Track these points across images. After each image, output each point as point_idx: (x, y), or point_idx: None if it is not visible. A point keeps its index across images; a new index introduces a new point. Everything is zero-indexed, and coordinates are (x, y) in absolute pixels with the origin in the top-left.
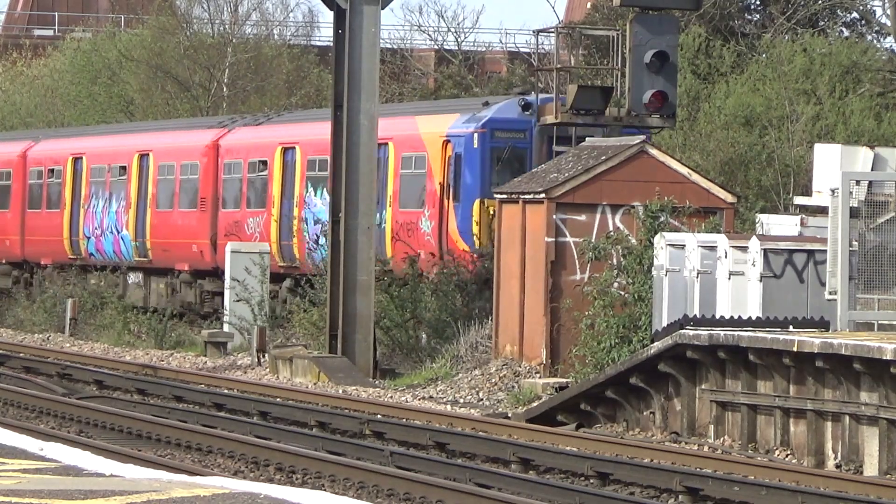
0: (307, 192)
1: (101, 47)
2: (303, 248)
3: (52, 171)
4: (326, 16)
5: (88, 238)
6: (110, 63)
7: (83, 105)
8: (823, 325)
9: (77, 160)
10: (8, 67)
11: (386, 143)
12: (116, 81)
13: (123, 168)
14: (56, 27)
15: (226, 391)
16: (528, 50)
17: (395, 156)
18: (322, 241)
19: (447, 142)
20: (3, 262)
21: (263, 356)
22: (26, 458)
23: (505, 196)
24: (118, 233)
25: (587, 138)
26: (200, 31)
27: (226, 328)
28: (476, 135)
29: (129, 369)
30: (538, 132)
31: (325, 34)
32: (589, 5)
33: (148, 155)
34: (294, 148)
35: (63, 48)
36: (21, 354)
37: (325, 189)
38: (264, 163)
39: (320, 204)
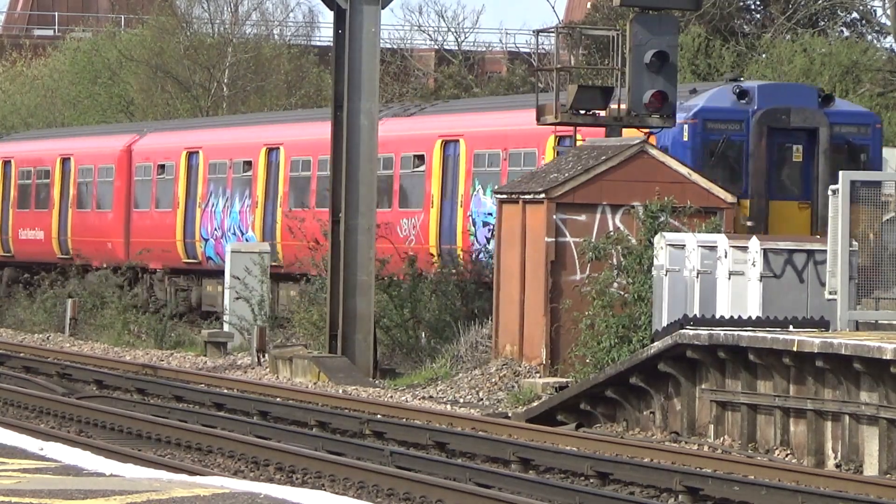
0: (474, 191)
1: (101, 47)
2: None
3: (162, 166)
4: (326, 16)
5: (206, 240)
6: (110, 63)
7: (83, 105)
8: (823, 325)
9: (192, 155)
10: (8, 67)
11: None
12: (117, 82)
13: (248, 163)
14: (56, 27)
15: (226, 391)
16: (528, 50)
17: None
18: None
19: (649, 135)
20: (104, 266)
21: (263, 356)
22: (26, 457)
23: (505, 196)
24: (242, 234)
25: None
26: (200, 31)
27: (226, 328)
28: (686, 126)
29: (129, 369)
30: (756, 122)
31: (325, 34)
32: (589, 5)
33: (278, 149)
34: (458, 141)
35: (63, 48)
36: (21, 354)
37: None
38: (421, 157)
39: (490, 204)
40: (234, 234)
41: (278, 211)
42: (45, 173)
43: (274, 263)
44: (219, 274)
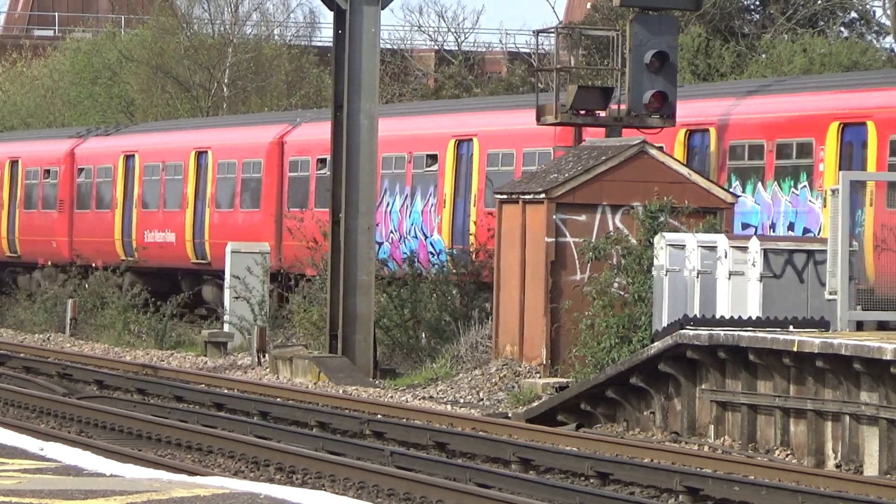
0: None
1: (101, 48)
2: None
3: (321, 161)
4: (327, 16)
5: (380, 243)
6: (111, 63)
7: (83, 105)
8: (823, 325)
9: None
10: (8, 68)
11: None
12: (117, 82)
13: (433, 157)
14: (56, 27)
15: (226, 391)
16: (528, 50)
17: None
18: None
19: None
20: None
21: (264, 356)
22: (26, 458)
23: (505, 196)
24: (426, 237)
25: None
26: (201, 31)
27: (226, 328)
28: None
29: (129, 369)
30: None
31: (325, 35)
32: (589, 5)
33: (471, 140)
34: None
35: (63, 49)
36: (21, 354)
37: None
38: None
39: None
40: (415, 236)
41: (473, 209)
42: (176, 168)
43: (464, 271)
44: (396, 280)
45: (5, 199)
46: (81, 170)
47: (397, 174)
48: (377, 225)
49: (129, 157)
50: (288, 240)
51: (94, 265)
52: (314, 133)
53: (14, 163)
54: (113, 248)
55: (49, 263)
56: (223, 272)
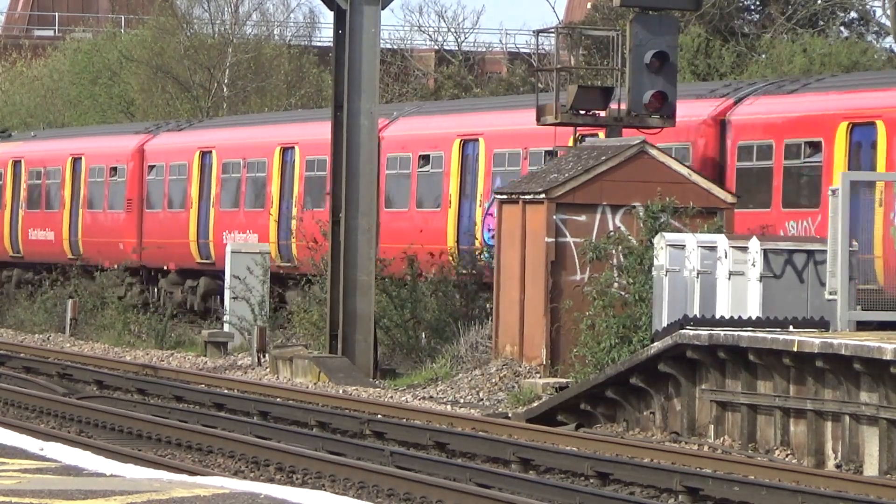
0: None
1: (101, 48)
2: None
3: (425, 157)
4: (327, 16)
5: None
6: (111, 63)
7: (83, 105)
8: (823, 325)
9: (467, 144)
10: (8, 68)
11: None
12: (117, 82)
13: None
14: (56, 27)
15: (226, 391)
16: (528, 50)
17: None
18: None
19: None
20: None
21: (264, 356)
22: (26, 458)
23: (505, 196)
24: None
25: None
26: (201, 31)
27: (226, 328)
28: None
29: (129, 369)
30: None
31: (325, 35)
32: (589, 5)
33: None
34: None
35: (63, 49)
36: (21, 354)
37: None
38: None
39: None
40: None
41: None
42: (258, 165)
43: None
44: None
45: (67, 198)
46: (152, 167)
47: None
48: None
49: (205, 154)
50: (385, 242)
51: (165, 268)
52: (415, 127)
53: (77, 160)
54: (187, 250)
55: (115, 266)
56: (310, 276)
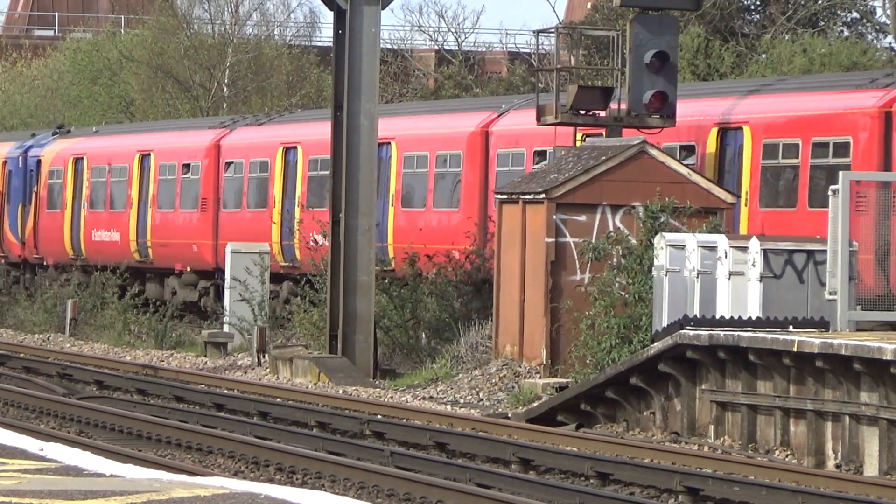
0: None
1: (101, 48)
2: None
3: (539, 154)
4: (327, 16)
5: None
6: (111, 63)
7: (84, 105)
8: (823, 325)
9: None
10: (8, 68)
11: None
12: (117, 82)
13: (690, 148)
14: (56, 27)
15: (226, 391)
16: (528, 50)
17: None
18: None
19: None
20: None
21: (264, 356)
22: (26, 458)
23: (505, 196)
24: None
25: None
26: (201, 31)
27: (226, 328)
28: None
29: (129, 369)
30: None
31: (325, 35)
32: (589, 5)
33: (740, 129)
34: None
35: (63, 49)
36: (21, 354)
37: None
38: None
39: None
40: None
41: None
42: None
43: None
44: None
45: (134, 197)
46: (229, 164)
47: None
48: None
49: (288, 150)
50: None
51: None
52: (528, 121)
53: (145, 156)
54: (269, 251)
55: (188, 269)
56: (409, 280)
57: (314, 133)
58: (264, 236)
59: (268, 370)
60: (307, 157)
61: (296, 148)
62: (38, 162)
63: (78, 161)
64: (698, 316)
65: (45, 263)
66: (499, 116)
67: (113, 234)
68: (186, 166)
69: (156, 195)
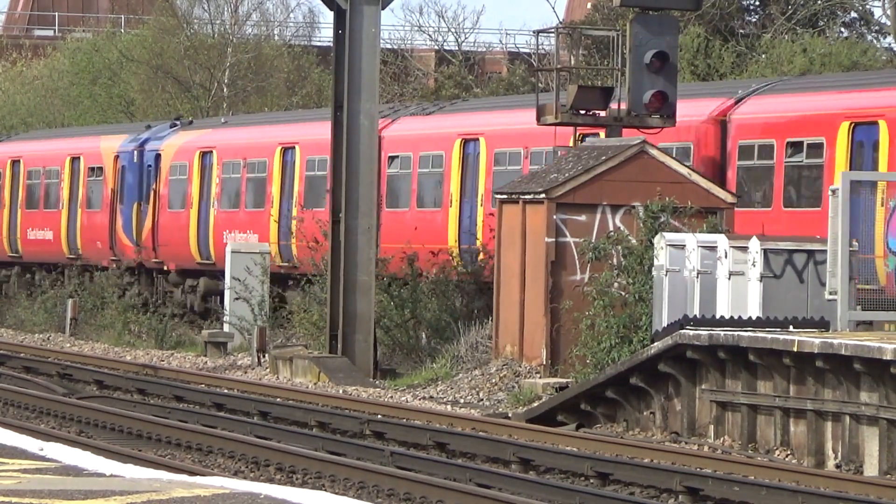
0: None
1: (101, 48)
2: None
3: (794, 145)
4: (327, 16)
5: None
6: (111, 63)
7: (83, 105)
8: (823, 325)
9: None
10: (8, 68)
11: None
12: (117, 82)
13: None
14: (56, 27)
15: (226, 391)
16: (528, 50)
17: None
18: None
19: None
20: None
21: (264, 356)
22: (26, 458)
23: (505, 196)
24: None
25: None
26: (201, 31)
27: (226, 328)
28: None
29: (129, 369)
30: None
31: (325, 35)
32: (589, 5)
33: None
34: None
35: (63, 49)
36: (21, 354)
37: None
38: None
39: None
40: None
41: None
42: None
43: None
44: None
45: (276, 195)
46: (393, 158)
47: None
48: None
49: (468, 143)
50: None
51: (424, 274)
52: (780, 108)
53: (288, 150)
54: (448, 255)
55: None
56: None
57: (497, 123)
58: (440, 239)
59: (268, 370)
60: (492, 150)
61: (478, 140)
62: (157, 156)
63: (206, 155)
64: (698, 316)
65: (165, 268)
66: (737, 103)
67: (250, 236)
68: None
69: (302, 193)
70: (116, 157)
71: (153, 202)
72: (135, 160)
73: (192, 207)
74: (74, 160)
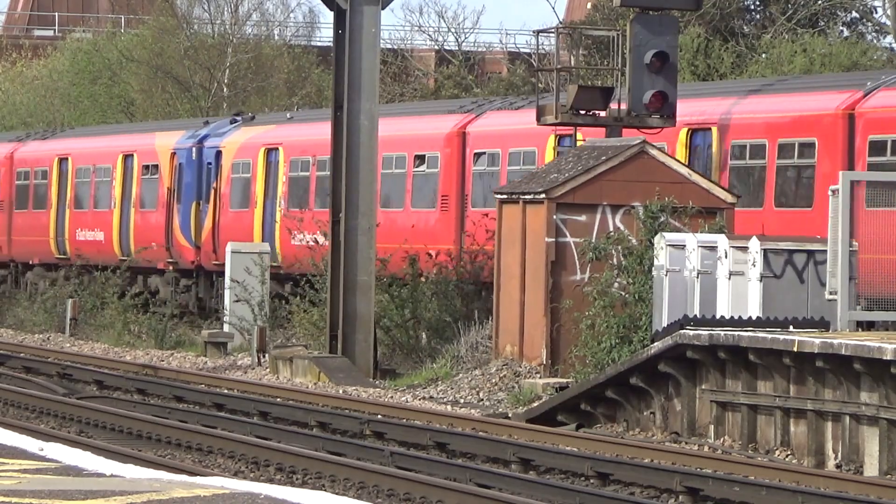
0: None
1: (101, 48)
2: None
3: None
4: (327, 16)
5: None
6: (111, 63)
7: (83, 105)
8: (823, 325)
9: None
10: (8, 68)
11: None
12: (117, 82)
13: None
14: (56, 27)
15: (226, 391)
16: (528, 50)
17: None
18: None
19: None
20: None
21: (264, 356)
22: (26, 458)
23: (505, 196)
24: None
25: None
26: (201, 31)
27: (226, 328)
28: None
29: (129, 369)
30: None
31: (325, 34)
32: (589, 5)
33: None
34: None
35: (63, 49)
36: (21, 354)
37: None
38: None
39: None
40: None
41: None
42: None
43: None
44: None
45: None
46: (479, 155)
47: None
48: None
49: (563, 139)
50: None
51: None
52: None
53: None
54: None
55: (426, 278)
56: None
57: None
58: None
59: (268, 370)
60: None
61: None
62: (218, 153)
63: (271, 152)
64: (698, 316)
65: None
66: (865, 96)
67: (319, 236)
68: (420, 158)
69: (378, 192)
70: (173, 155)
71: (214, 202)
72: (193, 157)
73: (256, 207)
74: (127, 158)
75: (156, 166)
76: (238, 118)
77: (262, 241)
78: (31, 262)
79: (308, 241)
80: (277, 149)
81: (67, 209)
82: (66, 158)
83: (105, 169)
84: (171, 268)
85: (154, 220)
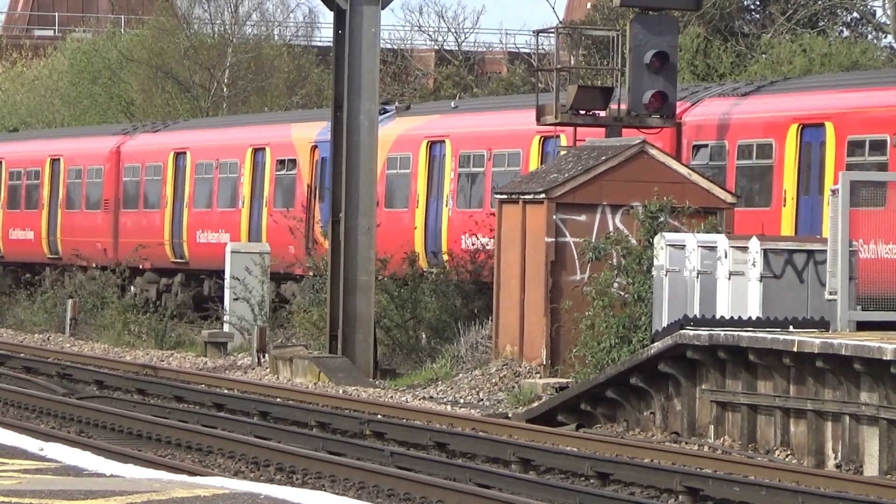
0: None
1: (101, 48)
2: None
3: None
4: (327, 16)
5: None
6: (111, 63)
7: (83, 105)
8: (823, 325)
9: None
10: (8, 68)
11: None
12: (116, 82)
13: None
14: (56, 27)
15: (226, 391)
16: (528, 50)
17: None
18: None
19: None
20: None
21: (263, 356)
22: (26, 458)
23: (505, 196)
24: None
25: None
26: (200, 31)
27: (226, 328)
28: None
29: (129, 369)
30: None
31: (325, 34)
32: (589, 5)
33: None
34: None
35: (63, 49)
36: (21, 354)
37: None
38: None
39: None
40: None
41: None
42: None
43: None
44: None
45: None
46: (699, 147)
47: None
48: None
49: (807, 128)
50: None
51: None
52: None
53: (435, 144)
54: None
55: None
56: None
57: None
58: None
59: (268, 370)
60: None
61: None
62: None
63: (435, 145)
64: (698, 316)
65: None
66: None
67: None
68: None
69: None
70: (314, 148)
71: None
72: None
73: (416, 206)
74: (258, 152)
75: (293, 161)
76: (387, 108)
77: (424, 243)
78: (140, 268)
79: (480, 246)
80: (443, 141)
81: (185, 208)
82: (184, 153)
83: (231, 164)
84: (310, 273)
85: (290, 221)
